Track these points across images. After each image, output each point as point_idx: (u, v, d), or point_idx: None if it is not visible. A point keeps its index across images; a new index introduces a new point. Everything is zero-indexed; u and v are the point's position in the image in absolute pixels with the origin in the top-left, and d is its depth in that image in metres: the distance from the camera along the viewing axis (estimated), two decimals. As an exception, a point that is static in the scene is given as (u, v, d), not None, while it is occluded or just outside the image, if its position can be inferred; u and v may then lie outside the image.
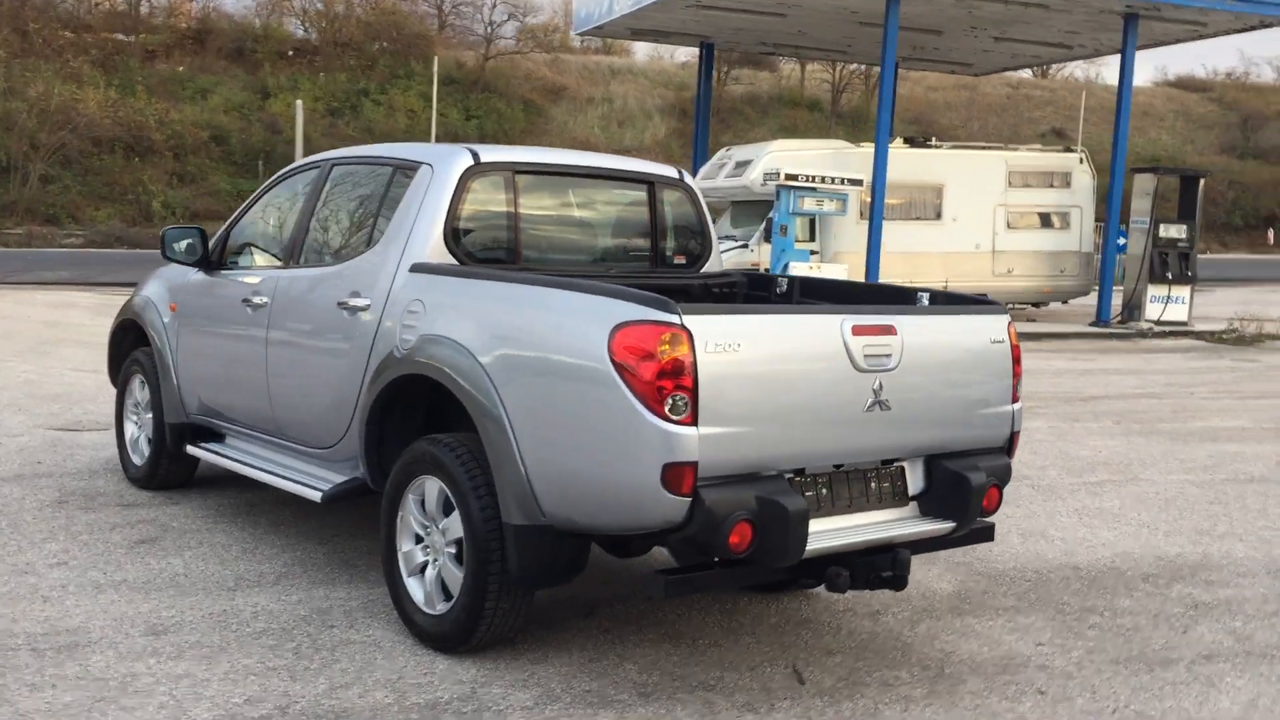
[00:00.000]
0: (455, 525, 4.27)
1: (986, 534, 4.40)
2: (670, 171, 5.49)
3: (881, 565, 3.97)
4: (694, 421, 3.57)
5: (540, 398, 3.92)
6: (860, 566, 3.93)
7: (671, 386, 3.55)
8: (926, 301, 4.67)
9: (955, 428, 4.22)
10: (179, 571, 5.23)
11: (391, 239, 4.84)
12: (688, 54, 62.43)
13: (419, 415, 4.81)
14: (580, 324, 3.82)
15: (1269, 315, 19.20)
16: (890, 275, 17.18)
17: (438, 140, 46.07)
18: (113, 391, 9.97)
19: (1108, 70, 74.71)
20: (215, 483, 6.84)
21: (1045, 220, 19.03)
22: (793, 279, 5.35)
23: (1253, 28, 18.22)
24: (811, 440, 3.85)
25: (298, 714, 3.83)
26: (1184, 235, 18.42)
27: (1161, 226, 18.31)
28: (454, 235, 4.78)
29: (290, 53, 55.28)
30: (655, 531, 3.76)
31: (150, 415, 6.55)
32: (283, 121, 47.55)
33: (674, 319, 3.59)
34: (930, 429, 4.15)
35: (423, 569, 4.50)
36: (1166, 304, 18.23)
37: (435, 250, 4.74)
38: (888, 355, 3.99)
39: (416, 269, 4.68)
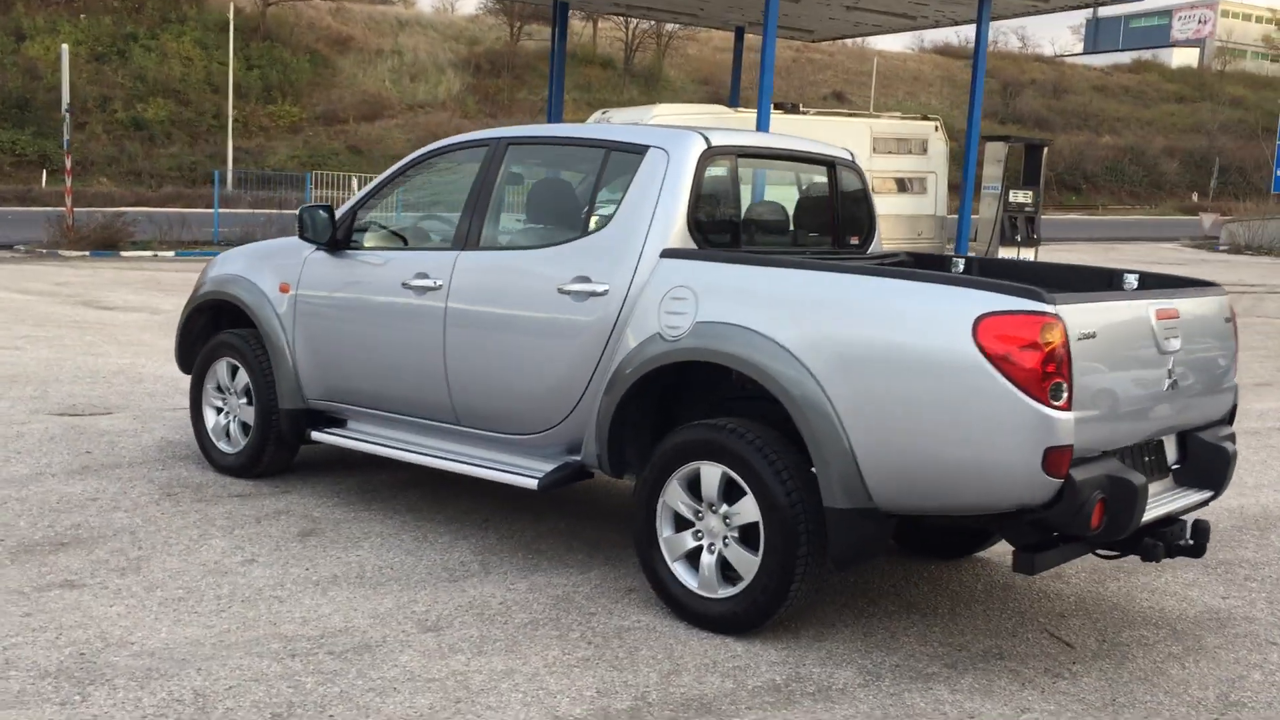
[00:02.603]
0: (746, 510, 4.36)
1: (1205, 502, 4.78)
2: (844, 153, 5.64)
3: (1176, 535, 4.32)
4: (1070, 406, 3.80)
5: (879, 387, 4.04)
6: (1164, 536, 4.26)
7: (1053, 373, 3.76)
8: (1135, 283, 5.02)
9: (1208, 402, 4.59)
10: (380, 565, 5.09)
11: (628, 223, 4.83)
12: (477, 5, 61.60)
13: (653, 400, 4.86)
14: (934, 314, 3.97)
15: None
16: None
17: (234, 92, 43.97)
18: (72, 368, 9.40)
19: (875, 38, 77.94)
20: (313, 467, 6.60)
21: (903, 185, 19.95)
22: (970, 259, 5.61)
23: (1089, 5, 19.52)
24: (1131, 421, 4.14)
25: (659, 703, 3.87)
26: (1030, 200, 19.71)
27: (1010, 192, 19.50)
28: (694, 219, 4.81)
29: (47, -10, 51.54)
30: (1005, 513, 3.97)
31: (244, 401, 6.27)
32: (43, 66, 44.41)
33: (1050, 308, 3.79)
34: (1195, 405, 4.50)
35: (692, 554, 4.57)
36: (1016, 265, 19.46)
37: (679, 235, 4.77)
38: (1176, 337, 4.31)
39: (670, 254, 4.70)
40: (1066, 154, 56.04)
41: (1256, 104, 61.56)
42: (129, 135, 45.60)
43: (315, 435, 5.98)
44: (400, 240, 5.89)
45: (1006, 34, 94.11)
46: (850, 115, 20.35)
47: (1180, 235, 38.15)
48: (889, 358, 4.04)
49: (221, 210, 26.77)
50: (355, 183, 32.76)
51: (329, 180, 29.69)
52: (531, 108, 54.28)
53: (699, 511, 4.53)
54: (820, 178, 5.54)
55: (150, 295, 15.73)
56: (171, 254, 24.40)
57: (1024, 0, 19.88)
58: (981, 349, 3.83)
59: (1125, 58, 66.31)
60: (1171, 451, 4.55)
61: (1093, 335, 3.91)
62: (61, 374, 9.26)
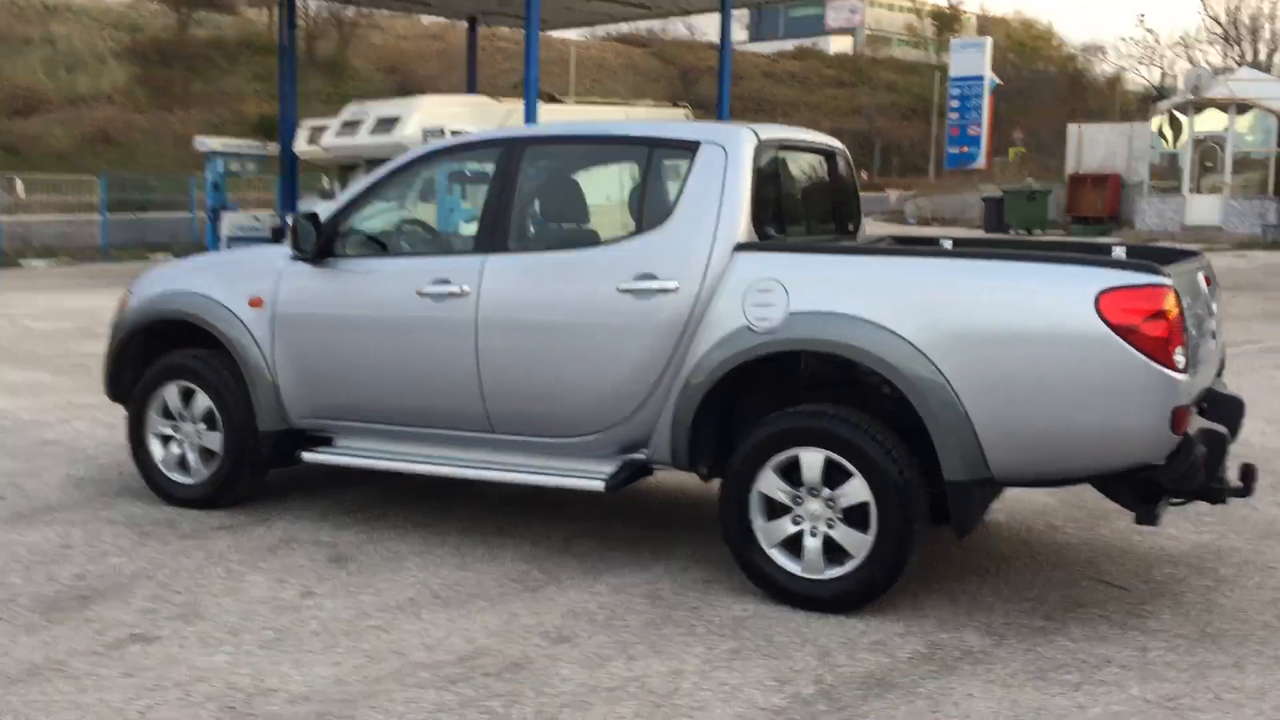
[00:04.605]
0: (853, 491, 4.51)
1: None
2: (838, 144, 5.86)
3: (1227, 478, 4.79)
4: (1186, 368, 4.19)
5: (998, 364, 4.28)
6: (1222, 481, 4.73)
7: (1174, 338, 4.13)
8: (1123, 253, 5.52)
9: (1217, 357, 5.13)
10: (445, 584, 4.91)
11: (691, 219, 4.85)
12: (133, -11, 57.57)
13: (723, 393, 4.91)
14: (1054, 292, 4.25)
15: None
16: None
17: None
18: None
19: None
20: (276, 492, 6.20)
21: (656, 171, 20.49)
22: (956, 239, 5.95)
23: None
24: (1201, 378, 4.59)
25: (841, 684, 3.98)
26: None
27: (758, 175, 20.40)
28: (755, 213, 4.90)
29: None
30: (1123, 471, 4.32)
31: (204, 426, 5.82)
32: None
33: (1168, 280, 4.16)
34: (1215, 360, 5.03)
35: (791, 539, 4.67)
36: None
37: (745, 229, 4.84)
38: (1215, 299, 4.81)
39: (747, 248, 4.76)
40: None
41: (906, 88, 66.66)
42: None
43: (309, 456, 5.64)
44: (400, 246, 5.64)
45: (675, 23, 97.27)
46: (607, 104, 20.67)
47: (869, 210, 40.84)
48: (1007, 335, 4.30)
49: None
50: (18, 184, 30.44)
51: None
52: (210, 100, 51.51)
53: (797, 497, 4.64)
54: (827, 167, 5.74)
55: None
56: None
57: (758, -9, 20.82)
58: (1107, 321, 4.15)
59: (788, 45, 70.29)
60: (1196, 405, 5.06)
61: (1184, 301, 4.32)
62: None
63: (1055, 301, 4.26)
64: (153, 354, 6.10)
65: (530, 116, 17.76)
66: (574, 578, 5.01)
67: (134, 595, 4.70)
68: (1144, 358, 4.13)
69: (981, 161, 37.85)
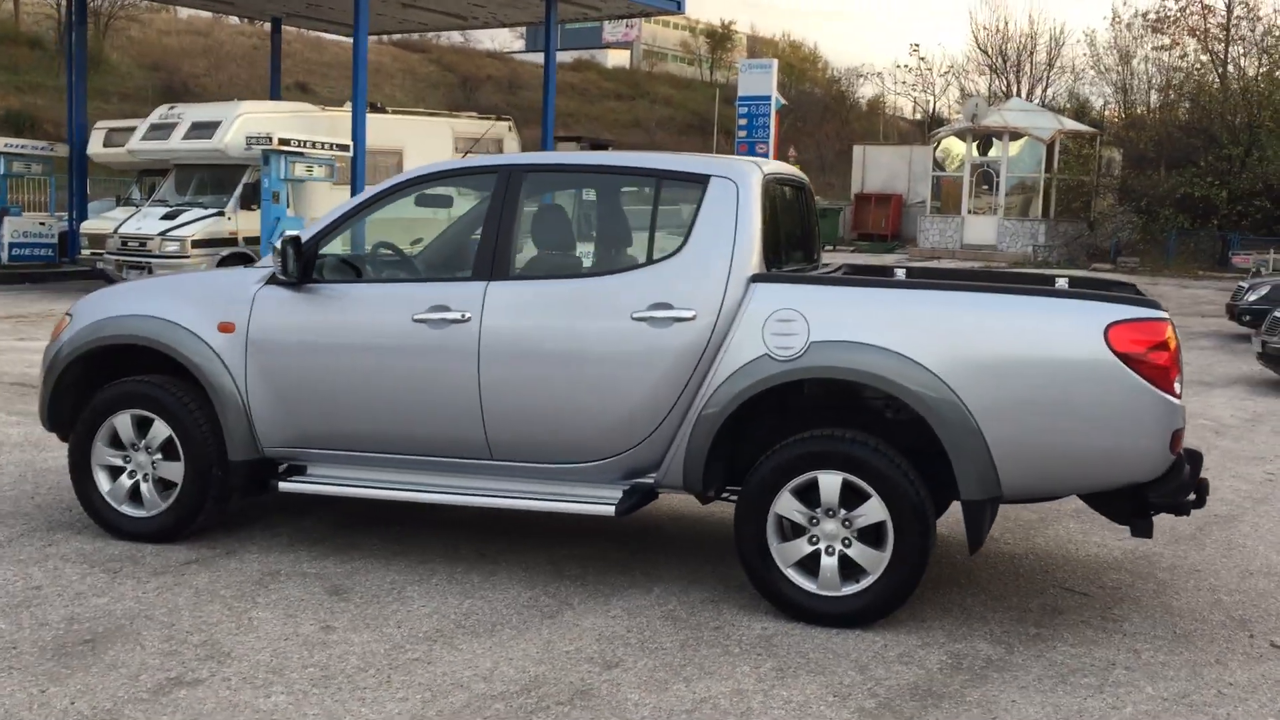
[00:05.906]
0: (870, 511, 4.75)
1: None
2: (805, 177, 6.09)
3: (1180, 493, 5.27)
4: (1180, 394, 4.61)
5: (1014, 390, 4.60)
6: (1180, 494, 5.20)
7: (1175, 368, 4.55)
8: (1066, 284, 5.97)
9: None
10: (460, 614, 4.88)
11: (705, 249, 4.99)
12: None
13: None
14: (1066, 323, 4.60)
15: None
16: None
17: None
18: None
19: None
20: (227, 521, 5.97)
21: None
22: (910, 269, 6.28)
23: (635, 15, 21.10)
24: (1179, 403, 5.05)
25: (895, 696, 4.20)
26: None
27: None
28: (764, 244, 5.08)
29: None
30: (1119, 488, 4.72)
31: (162, 456, 5.58)
32: None
33: (1167, 315, 4.57)
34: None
35: (807, 559, 4.87)
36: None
37: (757, 259, 5.02)
38: (1171, 331, 5.30)
39: (764, 278, 4.94)
40: (531, 149, 58.85)
41: (682, 103, 68.23)
42: None
43: (286, 486, 5.47)
44: (389, 270, 5.55)
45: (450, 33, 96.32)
46: (430, 115, 20.43)
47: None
48: (1022, 363, 4.63)
49: None
50: None
51: None
52: (-50, 91, 47.82)
53: (813, 517, 4.85)
54: (797, 198, 5.97)
55: None
56: None
57: (575, 8, 21.11)
58: (1115, 351, 4.53)
59: (566, 57, 70.74)
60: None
61: (1173, 334, 4.76)
62: None
63: (1068, 332, 4.61)
64: (93, 382, 5.80)
65: (359, 125, 17.41)
66: (584, 602, 5.06)
67: (144, 637, 4.49)
68: (1148, 384, 4.53)
69: (767, 178, 39.13)
